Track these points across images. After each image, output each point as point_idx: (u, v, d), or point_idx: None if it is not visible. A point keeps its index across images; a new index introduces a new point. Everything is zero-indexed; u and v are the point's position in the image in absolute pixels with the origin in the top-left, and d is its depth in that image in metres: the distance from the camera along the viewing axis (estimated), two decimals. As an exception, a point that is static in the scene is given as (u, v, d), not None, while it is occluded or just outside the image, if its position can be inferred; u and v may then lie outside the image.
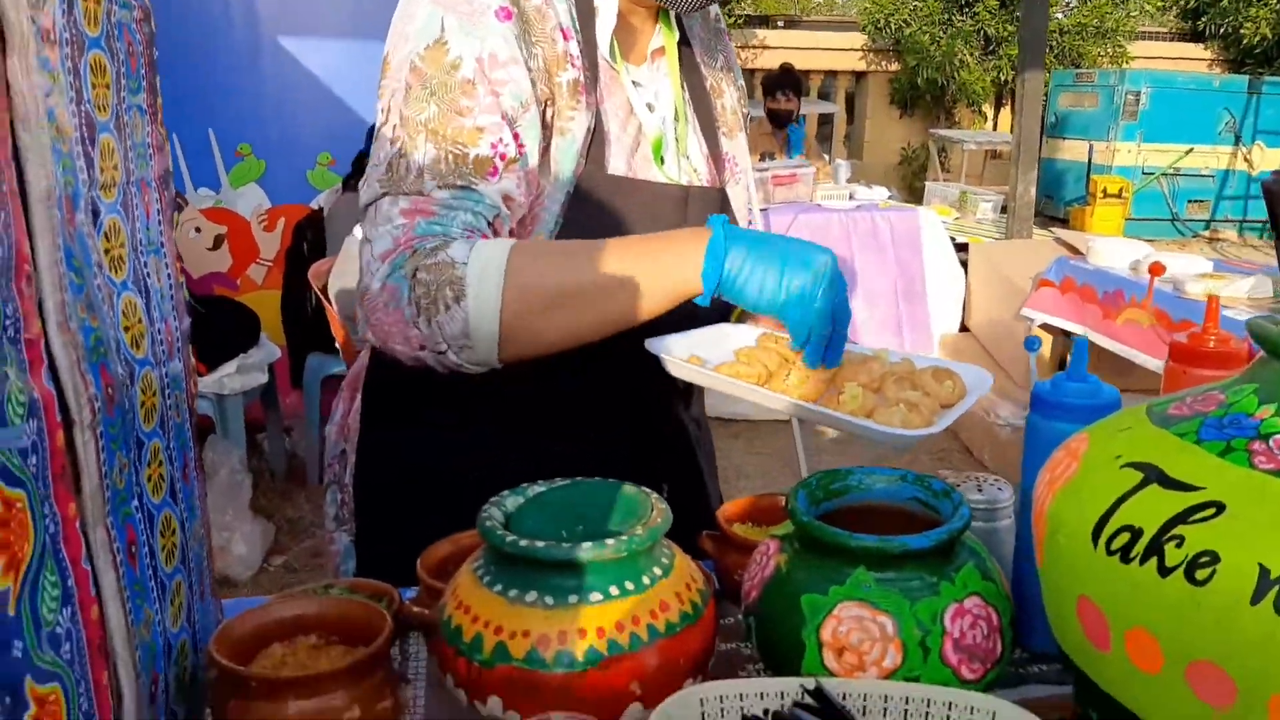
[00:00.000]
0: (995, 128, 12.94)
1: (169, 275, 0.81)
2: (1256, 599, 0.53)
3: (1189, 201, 10.72)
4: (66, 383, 0.59)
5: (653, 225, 1.03)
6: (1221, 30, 13.12)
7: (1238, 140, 10.81)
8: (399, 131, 0.96)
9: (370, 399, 1.14)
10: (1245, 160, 10.85)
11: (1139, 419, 0.69)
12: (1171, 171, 10.61)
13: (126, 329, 0.71)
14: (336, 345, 3.18)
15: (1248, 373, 0.68)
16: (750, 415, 4.43)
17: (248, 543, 3.22)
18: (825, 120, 12.76)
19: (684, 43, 1.16)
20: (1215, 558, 0.55)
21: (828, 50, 13.21)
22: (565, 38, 1.00)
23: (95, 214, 0.67)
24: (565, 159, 1.01)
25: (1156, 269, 3.02)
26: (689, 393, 1.21)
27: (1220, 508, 0.57)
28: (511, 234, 1.00)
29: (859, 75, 13.47)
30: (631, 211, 1.04)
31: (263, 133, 4.04)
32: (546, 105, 1.00)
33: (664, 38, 1.12)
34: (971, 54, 12.35)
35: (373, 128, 3.53)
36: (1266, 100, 10.78)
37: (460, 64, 0.95)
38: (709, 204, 1.11)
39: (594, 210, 1.02)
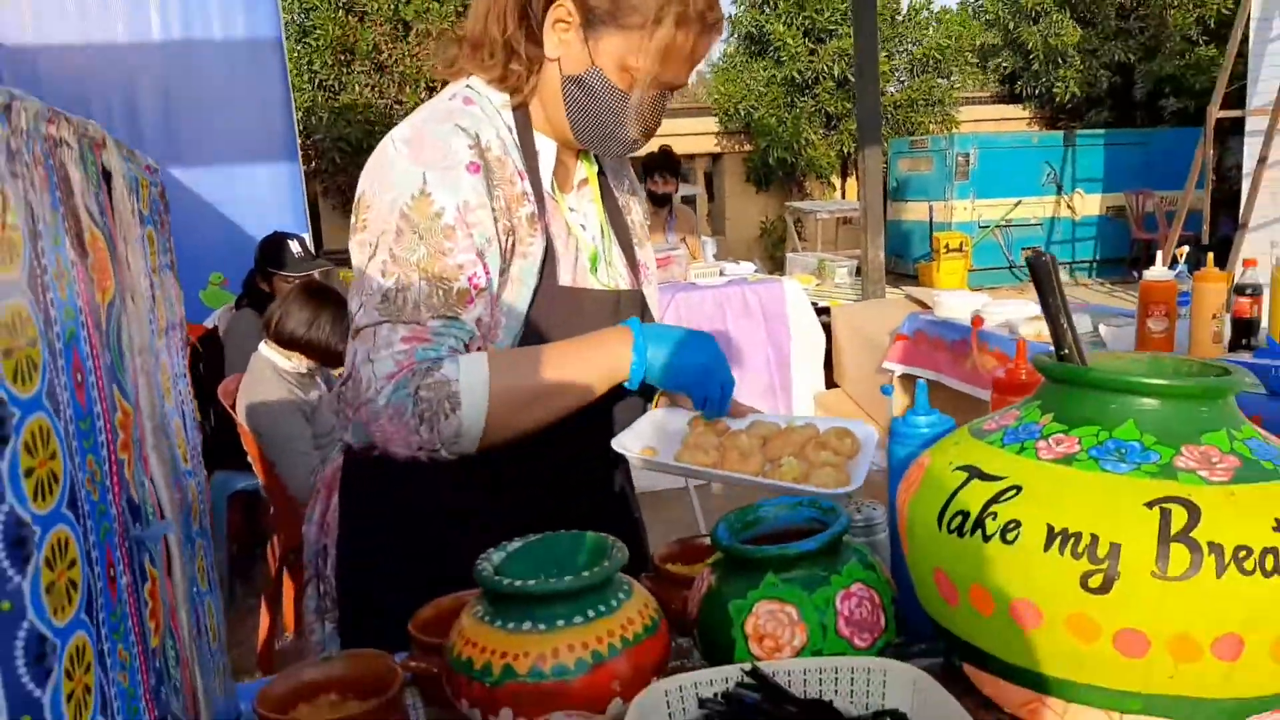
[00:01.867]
0: (844, 196, 13.81)
1: (189, 399, 0.98)
2: (1047, 547, 0.77)
3: (1023, 249, 11.67)
4: (161, 491, 0.76)
5: (594, 324, 1.26)
6: (1036, 91, 14.45)
7: (1059, 190, 11.89)
8: (391, 268, 1.15)
9: (349, 494, 1.32)
10: (1068, 207, 11.94)
11: (964, 435, 0.94)
12: (1004, 223, 11.57)
13: (179, 447, 0.88)
14: (248, 460, 3.24)
15: (1035, 394, 0.94)
16: (653, 487, 4.66)
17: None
18: (688, 201, 13.37)
19: (600, 172, 1.41)
20: (1018, 523, 0.80)
21: (685, 135, 13.89)
22: (521, 178, 1.22)
23: (157, 356, 0.85)
24: (527, 277, 1.23)
25: (976, 322, 3.43)
26: (623, 466, 1.43)
27: (1019, 489, 0.82)
28: (480, 348, 1.21)
29: (715, 157, 14.19)
30: (576, 315, 1.27)
31: (151, 258, 4.11)
32: (508, 237, 1.21)
33: (586, 170, 1.37)
34: (815, 132, 13.23)
35: (264, 243, 3.69)
36: (1081, 151, 11.91)
37: (443, 213, 1.15)
38: (633, 303, 1.36)
39: (549, 315, 1.25)
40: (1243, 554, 0.73)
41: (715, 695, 0.90)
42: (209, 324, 3.98)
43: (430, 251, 1.14)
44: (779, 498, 1.09)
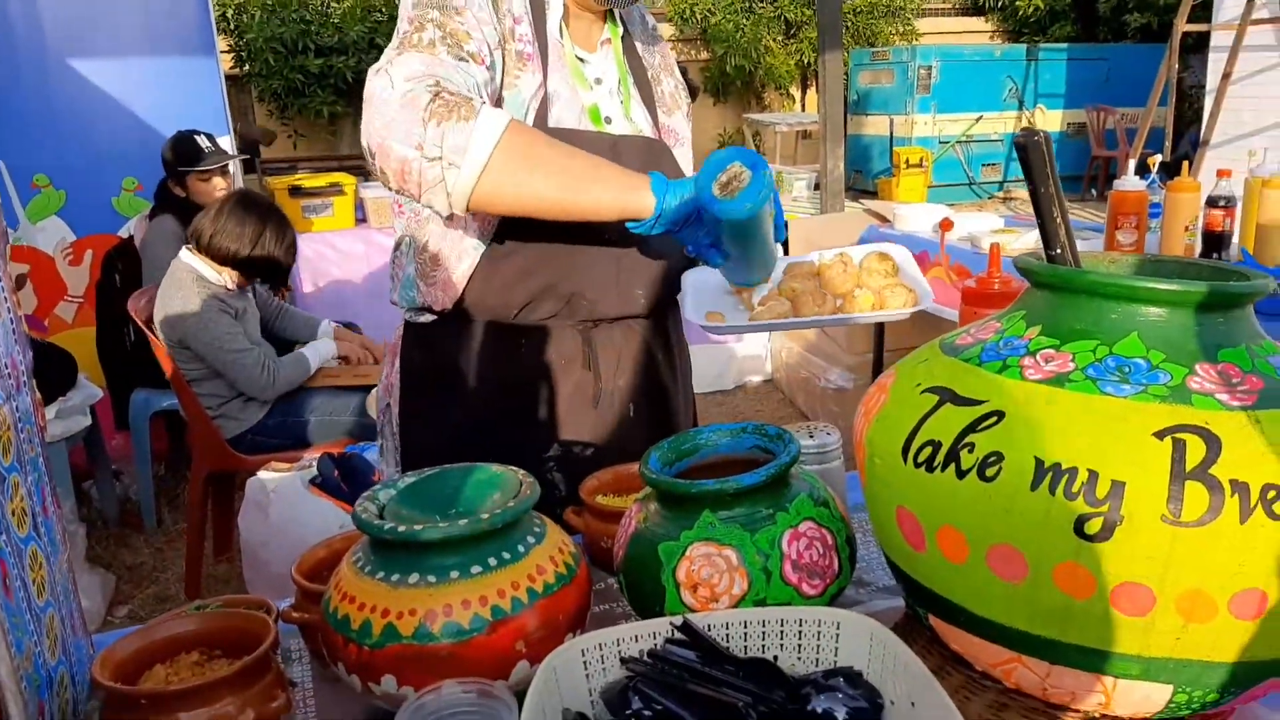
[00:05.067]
0: (803, 109, 13.50)
1: (8, 308, 0.80)
2: (1035, 485, 0.64)
3: (983, 165, 11.54)
4: (-76, 420, 0.60)
5: None
6: (1000, 3, 14.13)
7: (1021, 105, 11.70)
8: (405, 27, 1.16)
9: (405, 357, 1.40)
10: (1029, 123, 11.77)
11: (934, 352, 0.79)
12: (965, 139, 11.39)
13: (-27, 365, 0.71)
14: (166, 377, 3.04)
15: (1018, 303, 0.80)
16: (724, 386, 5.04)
17: (88, 595, 3.04)
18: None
19: (625, 36, 1.44)
20: (1000, 456, 0.66)
21: (638, 43, 13.41)
22: (516, 22, 1.27)
23: (-71, 252, 0.67)
24: (513, 111, 1.23)
25: (946, 225, 3.29)
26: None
27: (1001, 415, 0.68)
28: None
29: (670, 66, 13.73)
30: None
31: (60, 161, 3.78)
32: (500, 59, 1.23)
33: (610, 33, 1.41)
34: (774, 39, 12.84)
35: (171, 142, 3.41)
36: (1044, 66, 11.71)
37: None
38: (638, 153, 1.34)
39: None
40: (1271, 494, 0.60)
41: (640, 654, 0.77)
42: (124, 233, 3.71)
43: (444, 14, 1.17)
44: (721, 425, 0.94)
